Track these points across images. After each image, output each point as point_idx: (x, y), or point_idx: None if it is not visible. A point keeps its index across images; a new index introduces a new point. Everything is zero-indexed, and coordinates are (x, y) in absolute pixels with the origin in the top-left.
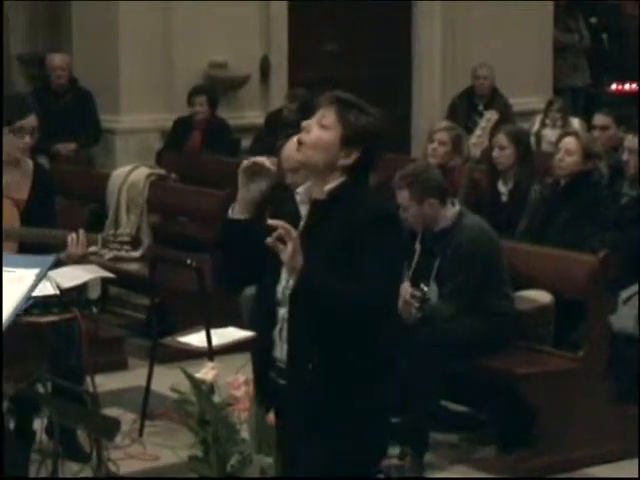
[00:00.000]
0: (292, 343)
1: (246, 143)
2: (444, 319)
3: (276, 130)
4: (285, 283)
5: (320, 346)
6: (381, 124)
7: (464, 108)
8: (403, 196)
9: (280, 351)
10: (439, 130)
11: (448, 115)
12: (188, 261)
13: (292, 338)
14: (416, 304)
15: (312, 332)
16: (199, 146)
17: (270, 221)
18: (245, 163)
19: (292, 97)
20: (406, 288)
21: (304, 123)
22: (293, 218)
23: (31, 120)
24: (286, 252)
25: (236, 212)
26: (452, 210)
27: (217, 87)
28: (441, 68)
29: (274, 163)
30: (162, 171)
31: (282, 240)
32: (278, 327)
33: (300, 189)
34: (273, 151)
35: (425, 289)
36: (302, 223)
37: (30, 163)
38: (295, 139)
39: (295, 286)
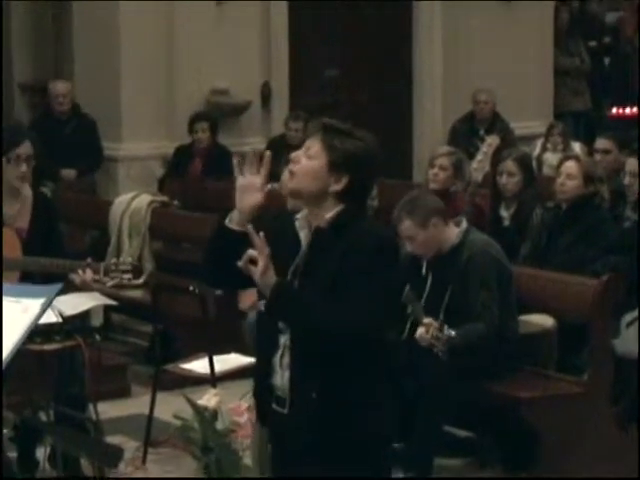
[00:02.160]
0: (294, 371)
1: None
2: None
3: (278, 155)
4: None
5: (323, 374)
6: (370, 148)
7: (465, 133)
8: (406, 227)
9: (280, 379)
10: (440, 155)
11: (449, 140)
12: (191, 288)
13: (294, 366)
14: (441, 347)
15: (314, 359)
16: (200, 173)
17: (253, 235)
18: (240, 180)
19: (295, 117)
20: (429, 325)
21: (292, 155)
22: (293, 243)
23: (26, 147)
24: (257, 269)
25: (233, 222)
26: (458, 229)
27: (218, 113)
28: (442, 92)
29: (264, 185)
30: (164, 198)
31: (254, 262)
32: (279, 353)
33: (299, 215)
34: (277, 177)
35: (452, 333)
36: (302, 249)
37: (29, 191)
38: (287, 170)
39: (267, 303)
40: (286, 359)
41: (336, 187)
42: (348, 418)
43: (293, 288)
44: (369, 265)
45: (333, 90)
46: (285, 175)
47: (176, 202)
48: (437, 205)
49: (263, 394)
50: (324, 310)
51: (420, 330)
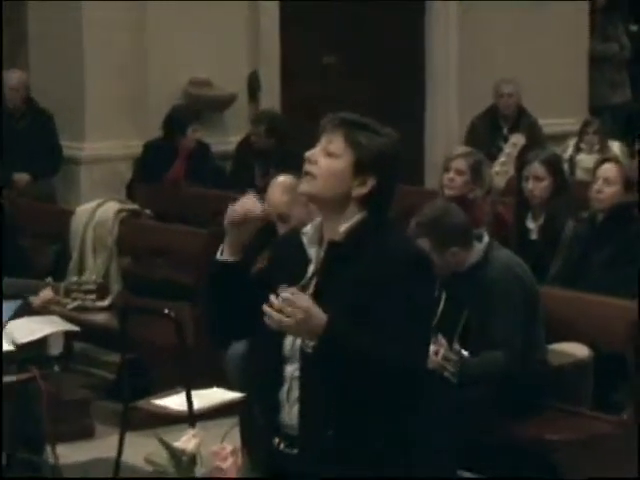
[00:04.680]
0: (307, 406)
1: None
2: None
3: (247, 161)
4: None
5: (341, 410)
6: (397, 146)
7: (486, 131)
8: (422, 244)
9: (288, 415)
10: (456, 157)
11: (467, 139)
12: (165, 311)
13: (307, 401)
14: (451, 369)
15: (332, 394)
16: (182, 176)
17: (272, 299)
18: (229, 215)
19: (258, 119)
20: (438, 344)
21: (308, 153)
22: (299, 263)
23: None
24: (296, 324)
25: (225, 254)
26: (479, 246)
27: (199, 107)
28: (459, 85)
29: (257, 205)
30: (134, 206)
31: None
32: (285, 387)
33: (307, 228)
34: (251, 184)
35: (464, 353)
36: (313, 267)
37: None
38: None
39: (317, 348)
40: (295, 393)
41: (360, 190)
42: (370, 456)
43: (346, 327)
44: (404, 286)
45: (332, 80)
46: (272, 195)
47: (148, 211)
48: (462, 230)
49: (264, 434)
50: (379, 350)
51: (430, 350)
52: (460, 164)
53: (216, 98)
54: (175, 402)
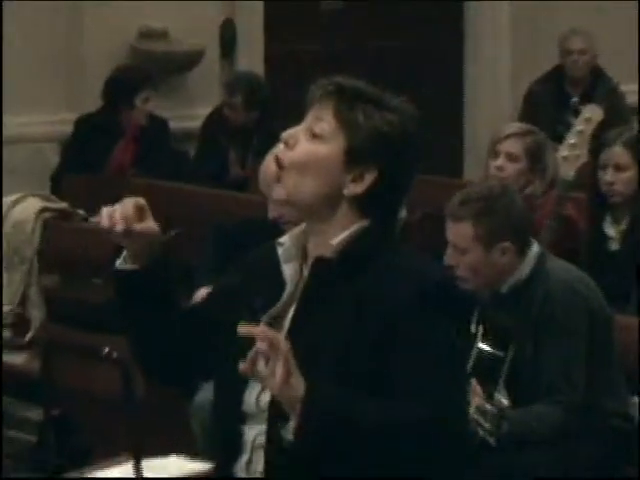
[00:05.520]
0: None
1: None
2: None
3: (219, 143)
4: (260, 388)
5: None
6: (410, 126)
7: (549, 101)
8: (460, 233)
9: None
10: (508, 137)
11: (523, 113)
12: (106, 349)
13: (275, 476)
14: (488, 425)
15: (317, 472)
16: (129, 163)
17: (241, 329)
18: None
19: (232, 87)
20: (474, 393)
21: (285, 134)
22: (273, 287)
23: None
24: (275, 379)
25: (129, 260)
26: (528, 255)
27: (151, 69)
28: (511, 40)
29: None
30: (62, 204)
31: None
32: (245, 458)
33: (285, 238)
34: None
35: (504, 402)
36: (287, 292)
37: None
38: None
39: (298, 425)
40: (257, 466)
41: (354, 189)
42: None
43: (337, 395)
44: (422, 324)
45: (334, 33)
46: (265, 169)
47: (82, 211)
48: (521, 222)
49: None
50: (378, 415)
51: None
52: (513, 147)
53: (175, 56)
54: (120, 473)
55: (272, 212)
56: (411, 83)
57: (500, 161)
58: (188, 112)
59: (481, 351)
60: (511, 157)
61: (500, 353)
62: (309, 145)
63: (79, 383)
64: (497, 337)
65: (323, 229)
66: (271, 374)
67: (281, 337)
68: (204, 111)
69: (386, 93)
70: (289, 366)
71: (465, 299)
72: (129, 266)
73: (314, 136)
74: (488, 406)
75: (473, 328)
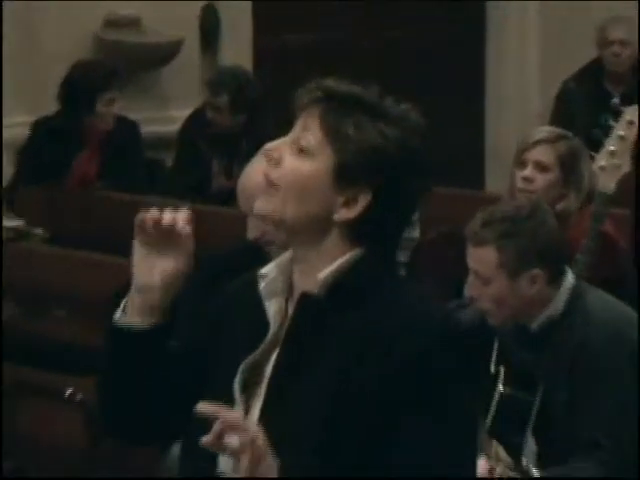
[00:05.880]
0: None
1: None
2: None
3: (200, 150)
4: None
5: None
6: (414, 139)
7: (585, 101)
8: (482, 259)
9: None
10: (537, 144)
11: (555, 115)
12: (68, 391)
13: None
14: None
15: None
16: (94, 175)
17: (201, 407)
18: (139, 220)
19: (216, 85)
20: (497, 458)
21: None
22: (255, 325)
23: None
24: (241, 462)
25: (132, 313)
26: (562, 285)
27: (119, 64)
28: (539, 29)
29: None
30: (17, 222)
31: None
32: None
33: (268, 269)
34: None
35: (533, 471)
36: (270, 332)
37: None
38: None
39: None
40: None
41: (347, 214)
42: None
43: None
44: (427, 375)
45: (338, 22)
46: (247, 179)
47: (40, 230)
48: (554, 245)
49: None
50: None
51: (480, 467)
52: (543, 155)
53: (148, 48)
54: None
55: (252, 231)
56: (423, 81)
57: (528, 171)
58: (163, 114)
59: (503, 395)
60: (541, 167)
61: (526, 397)
62: (294, 161)
63: (38, 429)
64: (522, 379)
65: (310, 258)
66: (242, 451)
67: (248, 422)
68: (181, 113)
69: (387, 99)
70: (259, 453)
71: (479, 344)
72: (138, 323)
73: (300, 150)
74: (513, 473)
75: (493, 368)
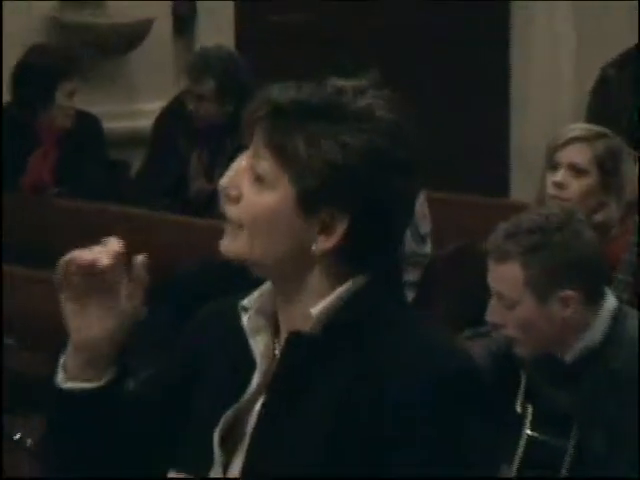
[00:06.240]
0: None
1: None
2: None
3: (177, 149)
4: None
5: None
6: (381, 135)
7: (627, 92)
8: (506, 277)
9: None
10: (571, 142)
11: (592, 110)
12: (15, 436)
13: None
14: None
15: None
16: (51, 178)
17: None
18: (61, 269)
19: (199, 70)
20: None
21: (224, 182)
22: (240, 364)
23: None
24: None
25: (73, 370)
26: (602, 308)
27: (78, 49)
28: (574, 15)
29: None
30: None
31: None
32: None
33: (249, 301)
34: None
35: None
36: (257, 377)
37: None
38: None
39: None
40: None
41: (325, 244)
42: None
43: None
44: (441, 424)
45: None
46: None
47: None
48: (590, 260)
49: None
50: None
51: None
52: (578, 156)
53: (113, 31)
54: None
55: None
56: (436, 72)
57: (561, 175)
58: (129, 108)
59: (531, 440)
60: (576, 170)
61: (558, 443)
62: (253, 195)
63: None
64: (554, 421)
65: (294, 295)
66: None
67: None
68: (152, 106)
69: (346, 94)
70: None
71: (503, 380)
72: (86, 384)
73: (257, 179)
74: None
75: (519, 408)
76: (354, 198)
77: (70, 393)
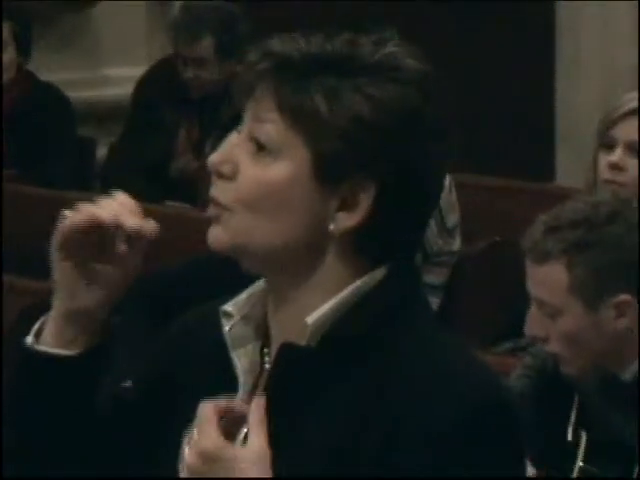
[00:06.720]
0: None
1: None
2: None
3: (163, 122)
4: None
5: None
6: (422, 94)
7: None
8: (547, 281)
9: None
10: (628, 116)
11: None
12: None
13: None
14: None
15: None
16: (2, 159)
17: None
18: (69, 222)
19: (194, 26)
20: None
21: (214, 159)
22: (221, 377)
23: None
24: None
25: (50, 335)
26: None
27: (32, 3)
28: None
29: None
30: None
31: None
32: None
33: (233, 305)
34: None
35: None
36: (241, 392)
37: None
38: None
39: None
40: None
41: (348, 220)
42: None
43: None
44: (468, 453)
45: None
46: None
47: None
48: None
49: None
50: None
51: None
52: (637, 132)
53: None
54: None
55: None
56: (484, 51)
57: (617, 156)
58: (93, 74)
59: (585, 473)
60: (634, 149)
61: (616, 476)
62: (255, 170)
63: None
64: (611, 451)
65: (297, 294)
66: None
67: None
68: (120, 72)
69: (364, 46)
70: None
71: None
72: (61, 351)
73: (260, 148)
74: None
75: (571, 435)
76: (383, 161)
77: (34, 353)
